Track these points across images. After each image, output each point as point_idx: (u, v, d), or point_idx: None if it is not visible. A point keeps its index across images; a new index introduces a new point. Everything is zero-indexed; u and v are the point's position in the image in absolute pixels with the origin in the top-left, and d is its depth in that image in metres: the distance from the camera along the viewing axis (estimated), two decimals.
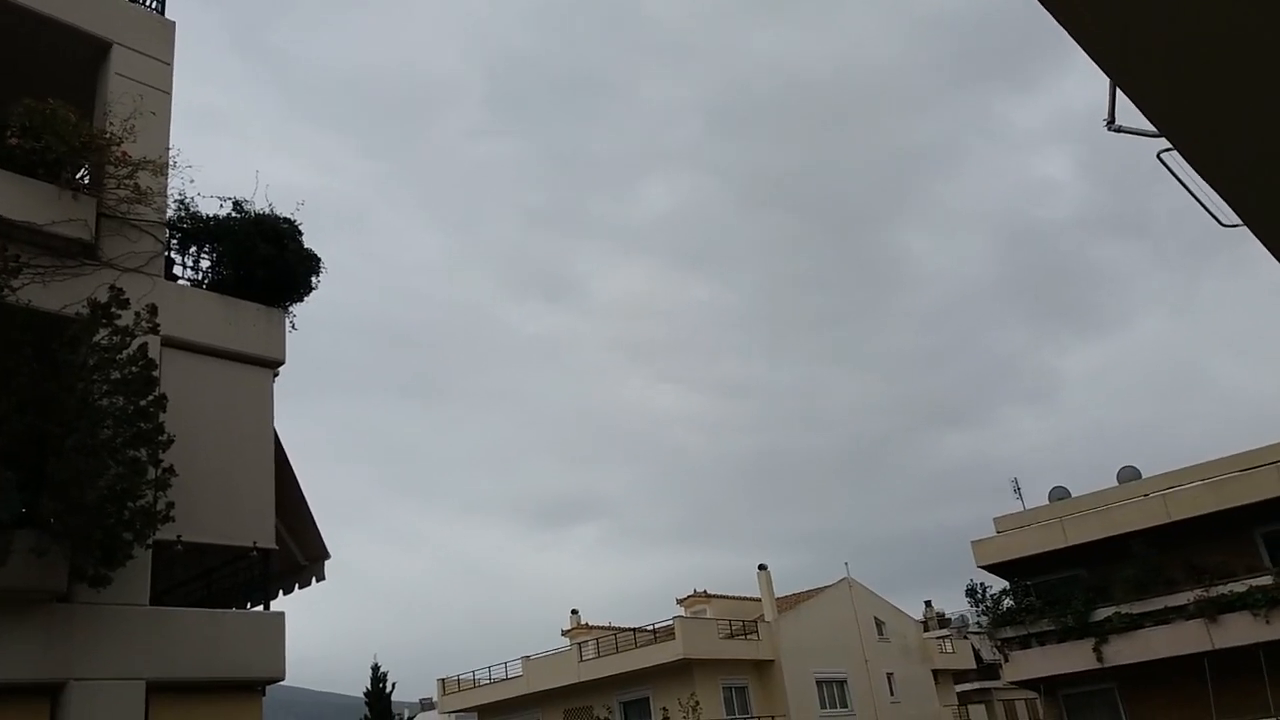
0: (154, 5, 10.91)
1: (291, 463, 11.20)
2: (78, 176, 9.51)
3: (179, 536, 8.97)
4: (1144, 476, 30.27)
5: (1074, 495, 31.32)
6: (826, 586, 40.47)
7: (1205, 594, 25.16)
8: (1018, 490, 33.87)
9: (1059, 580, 29.03)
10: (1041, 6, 3.04)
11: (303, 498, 11.12)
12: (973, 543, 30.56)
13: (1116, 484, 30.66)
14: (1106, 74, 4.01)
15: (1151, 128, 4.70)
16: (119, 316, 8.56)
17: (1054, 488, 32.29)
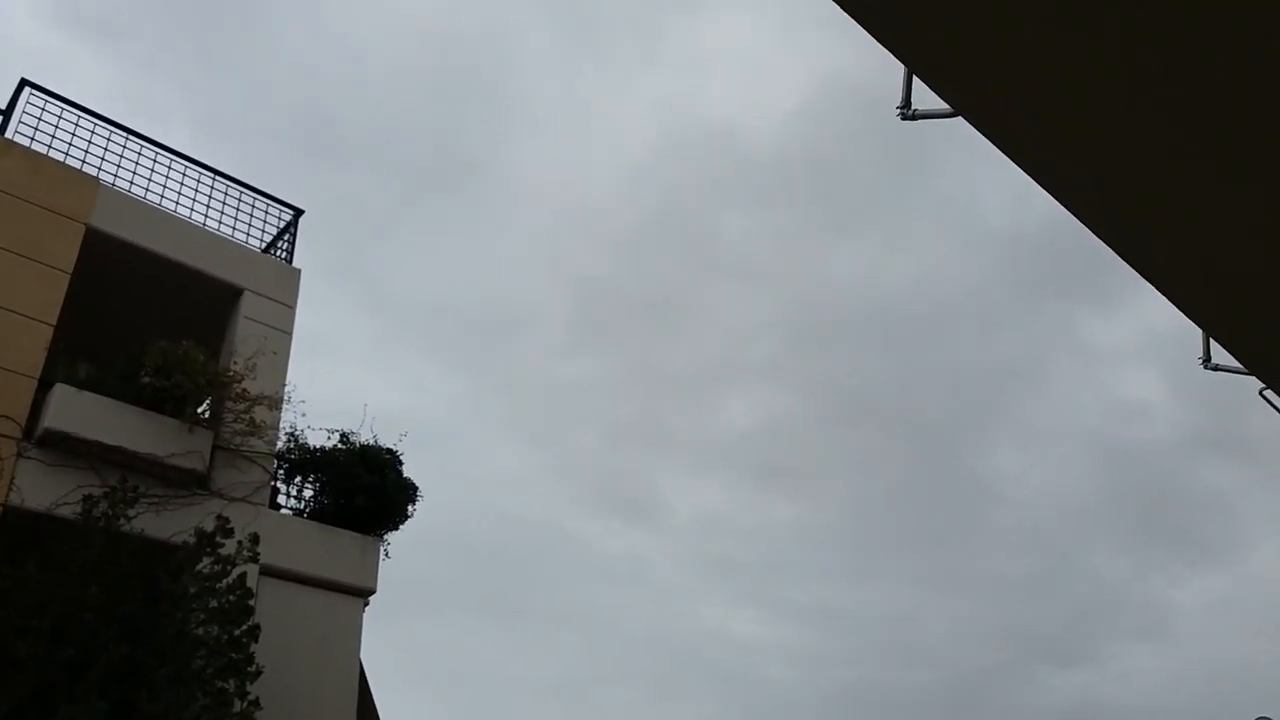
0: (283, 255, 11.94)
1: (373, 692, 11.07)
2: (199, 411, 10.12)
3: None
4: None
5: None
6: None
7: None
8: None
9: None
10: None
11: None
12: None
13: None
14: (1197, 324, 4.00)
15: None
16: (222, 545, 8.82)
17: None
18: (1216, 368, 8.61)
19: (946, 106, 3.25)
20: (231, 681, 8.41)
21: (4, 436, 8.68)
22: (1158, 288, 3.14)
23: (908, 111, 3.60)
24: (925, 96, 3.48)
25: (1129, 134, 2.31)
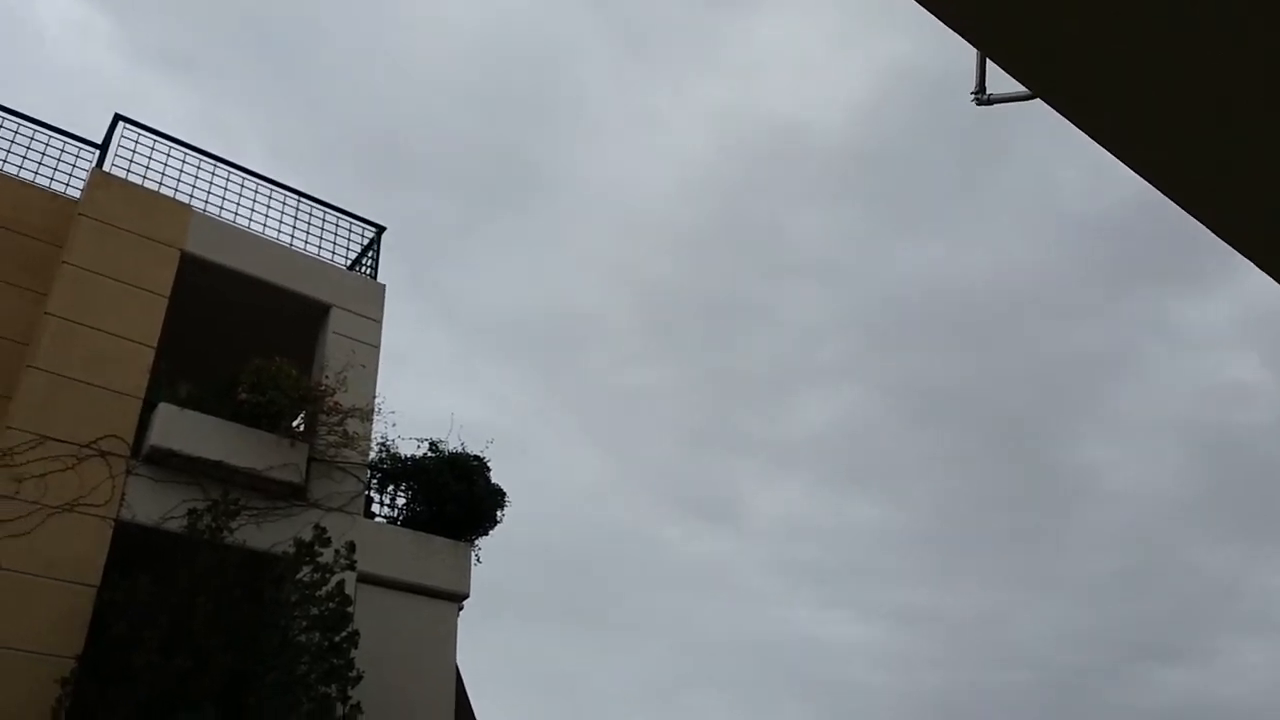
0: (368, 271, 12.24)
1: (470, 697, 11.26)
2: (294, 425, 10.44)
3: None
4: None
5: None
6: None
7: None
8: None
9: None
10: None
11: None
12: None
13: None
14: None
15: None
16: (320, 554, 9.08)
17: None
18: None
19: (1022, 89, 3.17)
20: (333, 686, 8.65)
21: (114, 455, 9.08)
22: (1262, 267, 3.02)
23: (982, 96, 3.53)
24: (999, 80, 3.41)
25: (1225, 103, 2.22)
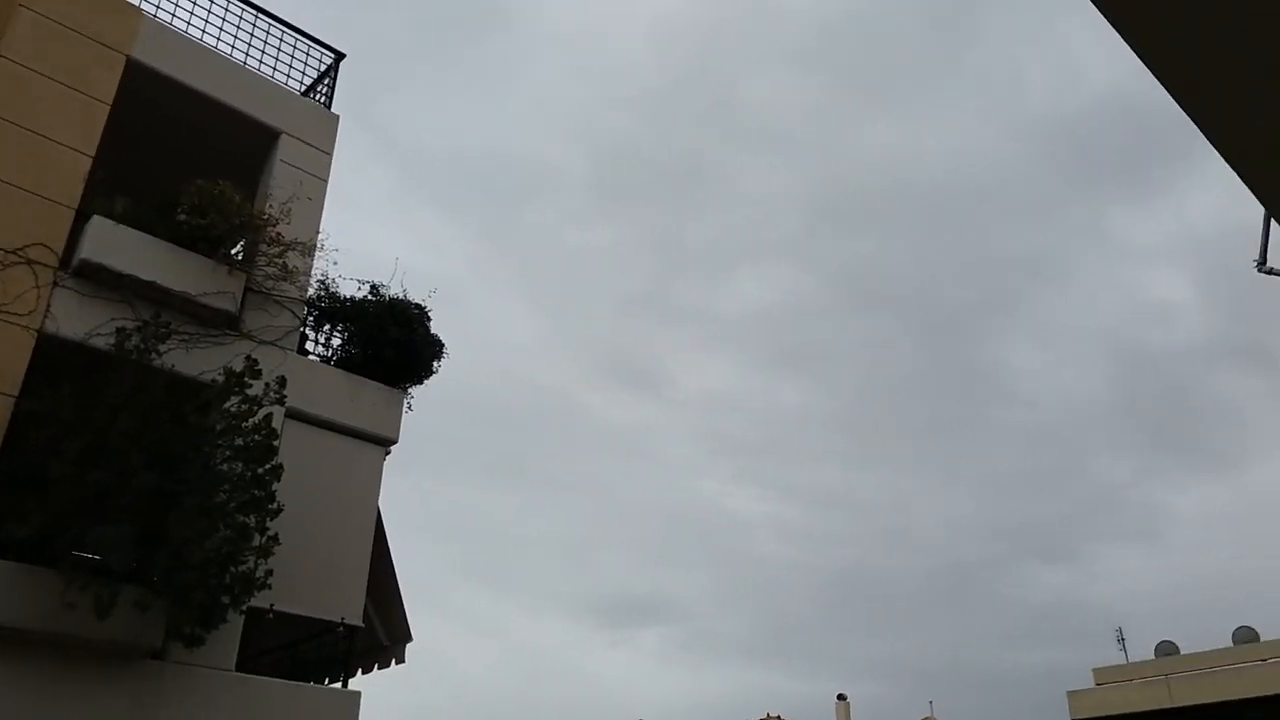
0: (322, 99, 11.74)
1: (389, 542, 11.55)
2: (233, 252, 10.21)
3: (272, 605, 9.31)
4: (1263, 639, 28.22)
5: (1183, 652, 29.41)
6: None
7: None
8: (1122, 641, 32.02)
9: None
10: (1188, 118, 2.84)
11: (394, 578, 11.40)
12: (1069, 693, 28.92)
13: (1231, 644, 28.67)
14: (1263, 204, 3.72)
15: None
16: (250, 386, 9.05)
17: (1160, 642, 30.38)
18: (1271, 271, 8.33)
19: None
20: (253, 516, 8.79)
21: (41, 264, 8.83)
22: (1235, 166, 2.92)
23: None
24: None
25: None
